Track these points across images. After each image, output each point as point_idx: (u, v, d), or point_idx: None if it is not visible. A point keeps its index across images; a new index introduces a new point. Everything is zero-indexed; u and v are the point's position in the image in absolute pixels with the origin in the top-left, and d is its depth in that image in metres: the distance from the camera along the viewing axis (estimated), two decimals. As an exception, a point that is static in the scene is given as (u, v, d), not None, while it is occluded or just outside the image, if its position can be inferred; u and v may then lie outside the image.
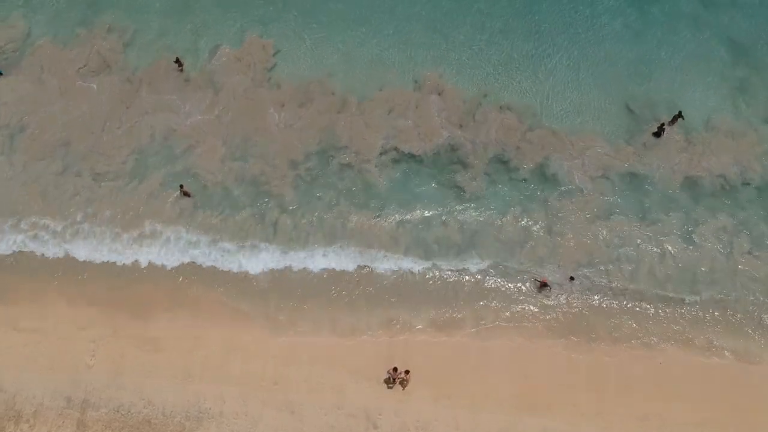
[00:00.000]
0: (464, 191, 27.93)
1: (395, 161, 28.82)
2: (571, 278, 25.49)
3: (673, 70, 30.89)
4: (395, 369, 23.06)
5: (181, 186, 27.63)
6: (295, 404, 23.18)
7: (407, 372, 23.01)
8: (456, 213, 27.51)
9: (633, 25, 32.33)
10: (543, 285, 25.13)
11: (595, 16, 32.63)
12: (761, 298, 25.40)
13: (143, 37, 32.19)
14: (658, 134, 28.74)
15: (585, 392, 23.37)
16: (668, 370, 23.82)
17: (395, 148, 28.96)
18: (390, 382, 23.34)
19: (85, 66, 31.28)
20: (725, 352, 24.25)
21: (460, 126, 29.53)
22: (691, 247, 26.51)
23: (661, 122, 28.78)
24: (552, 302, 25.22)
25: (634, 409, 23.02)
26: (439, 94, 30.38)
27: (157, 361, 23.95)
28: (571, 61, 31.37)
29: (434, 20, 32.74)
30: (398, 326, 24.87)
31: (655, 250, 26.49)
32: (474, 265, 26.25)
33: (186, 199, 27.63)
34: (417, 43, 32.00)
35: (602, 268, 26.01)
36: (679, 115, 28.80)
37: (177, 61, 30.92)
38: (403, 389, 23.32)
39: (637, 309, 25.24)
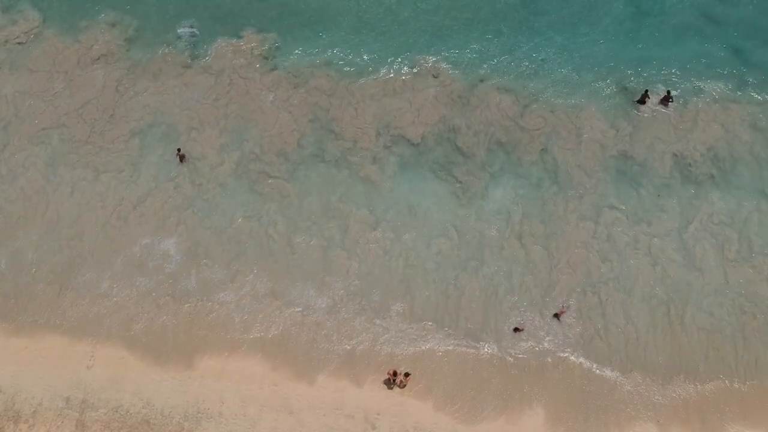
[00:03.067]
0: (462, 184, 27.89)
1: (390, 146, 28.89)
2: (556, 315, 24.76)
3: (667, 48, 31.13)
4: (395, 372, 23.03)
5: (179, 150, 28.11)
6: (294, 405, 23.16)
7: (407, 375, 22.98)
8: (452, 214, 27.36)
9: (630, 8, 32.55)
10: (517, 330, 24.64)
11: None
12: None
13: (145, 33, 32.21)
14: (642, 101, 29.28)
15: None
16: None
17: (390, 130, 29.13)
18: (389, 383, 23.30)
19: (87, 54, 31.44)
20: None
21: (457, 107, 29.59)
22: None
23: (645, 89, 29.36)
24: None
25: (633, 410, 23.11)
26: (435, 77, 30.51)
27: (156, 362, 23.95)
28: (568, 43, 31.45)
29: (430, 8, 32.73)
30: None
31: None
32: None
33: (182, 164, 28.17)
34: (413, 31, 32.02)
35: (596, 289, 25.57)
36: (669, 94, 29.22)
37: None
38: (402, 389, 23.29)
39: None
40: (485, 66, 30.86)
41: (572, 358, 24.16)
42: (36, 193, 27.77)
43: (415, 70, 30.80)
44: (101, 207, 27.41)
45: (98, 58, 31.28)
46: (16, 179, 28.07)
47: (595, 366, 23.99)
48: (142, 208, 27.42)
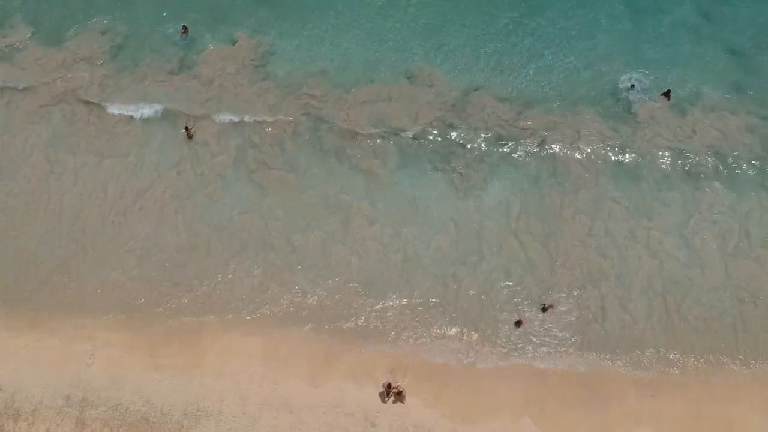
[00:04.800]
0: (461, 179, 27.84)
1: (385, 140, 28.82)
2: (543, 309, 24.86)
3: (665, 51, 31.11)
4: (389, 385, 22.83)
5: (186, 127, 28.63)
6: (294, 403, 23.12)
7: (400, 393, 22.75)
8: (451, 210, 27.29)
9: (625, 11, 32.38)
10: (518, 323, 24.64)
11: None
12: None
13: (135, 41, 31.92)
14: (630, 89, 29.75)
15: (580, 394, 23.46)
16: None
17: (386, 129, 29.05)
18: (385, 395, 23.02)
19: (72, 56, 31.37)
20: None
21: (453, 112, 29.39)
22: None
23: (632, 84, 29.70)
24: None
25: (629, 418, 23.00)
26: (431, 87, 30.21)
27: (156, 360, 23.89)
28: (563, 49, 31.24)
29: (426, 17, 32.41)
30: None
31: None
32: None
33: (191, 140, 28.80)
34: (409, 41, 31.73)
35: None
36: (668, 92, 29.48)
37: (183, 27, 31.82)
38: (394, 402, 23.12)
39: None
40: (481, 72, 30.55)
41: (569, 350, 24.22)
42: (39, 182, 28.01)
43: (411, 81, 30.47)
44: (103, 197, 27.59)
45: (83, 59, 31.27)
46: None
47: (591, 352, 24.14)
48: (142, 200, 27.48)
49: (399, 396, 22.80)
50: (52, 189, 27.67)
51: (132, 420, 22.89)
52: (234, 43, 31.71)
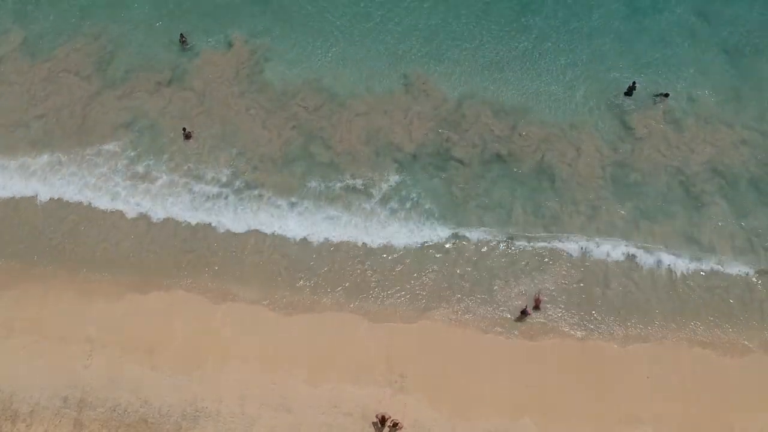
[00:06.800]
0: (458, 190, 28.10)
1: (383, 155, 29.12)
2: (536, 305, 25.08)
3: (661, 55, 31.47)
4: (383, 417, 22.51)
5: (184, 129, 29.12)
6: (293, 403, 23.10)
7: (395, 425, 22.36)
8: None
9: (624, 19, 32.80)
10: (524, 312, 24.81)
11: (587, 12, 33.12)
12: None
13: (129, 47, 32.37)
14: (629, 93, 30.01)
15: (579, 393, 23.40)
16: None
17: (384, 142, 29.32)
18: (379, 426, 22.72)
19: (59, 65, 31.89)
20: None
21: (449, 124, 29.60)
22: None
23: (633, 81, 29.99)
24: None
25: (628, 412, 22.98)
26: (427, 95, 30.50)
27: (154, 361, 23.89)
28: (561, 59, 31.55)
29: (423, 24, 32.87)
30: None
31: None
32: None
33: (188, 141, 29.33)
34: (405, 48, 32.14)
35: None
36: (666, 94, 29.94)
37: (181, 36, 32.16)
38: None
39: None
40: (476, 85, 30.79)
41: (566, 342, 24.44)
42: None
43: (406, 90, 30.75)
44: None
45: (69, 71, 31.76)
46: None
47: (590, 344, 24.40)
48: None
49: (395, 428, 22.39)
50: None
51: (130, 421, 22.82)
52: (230, 47, 32.18)
